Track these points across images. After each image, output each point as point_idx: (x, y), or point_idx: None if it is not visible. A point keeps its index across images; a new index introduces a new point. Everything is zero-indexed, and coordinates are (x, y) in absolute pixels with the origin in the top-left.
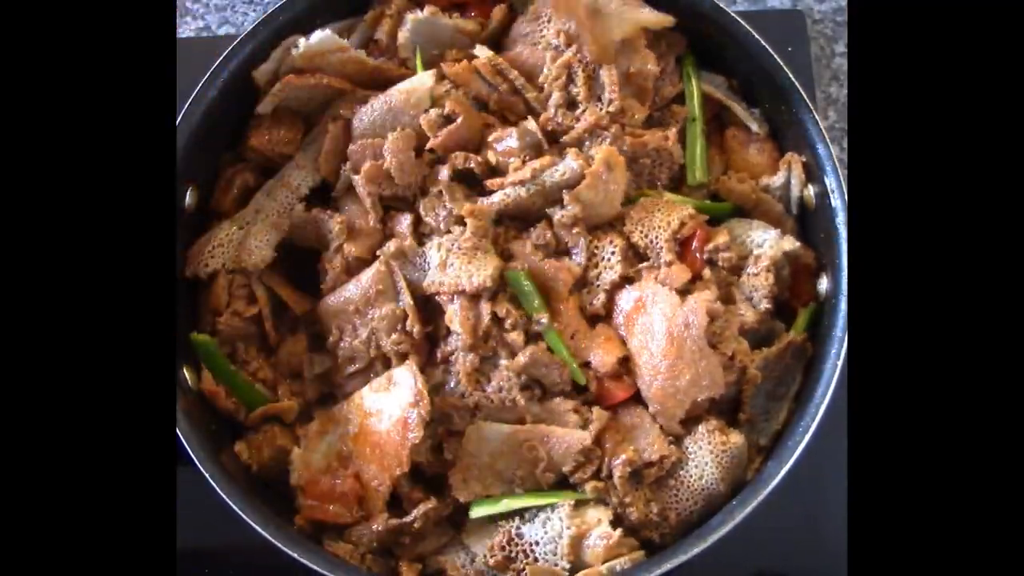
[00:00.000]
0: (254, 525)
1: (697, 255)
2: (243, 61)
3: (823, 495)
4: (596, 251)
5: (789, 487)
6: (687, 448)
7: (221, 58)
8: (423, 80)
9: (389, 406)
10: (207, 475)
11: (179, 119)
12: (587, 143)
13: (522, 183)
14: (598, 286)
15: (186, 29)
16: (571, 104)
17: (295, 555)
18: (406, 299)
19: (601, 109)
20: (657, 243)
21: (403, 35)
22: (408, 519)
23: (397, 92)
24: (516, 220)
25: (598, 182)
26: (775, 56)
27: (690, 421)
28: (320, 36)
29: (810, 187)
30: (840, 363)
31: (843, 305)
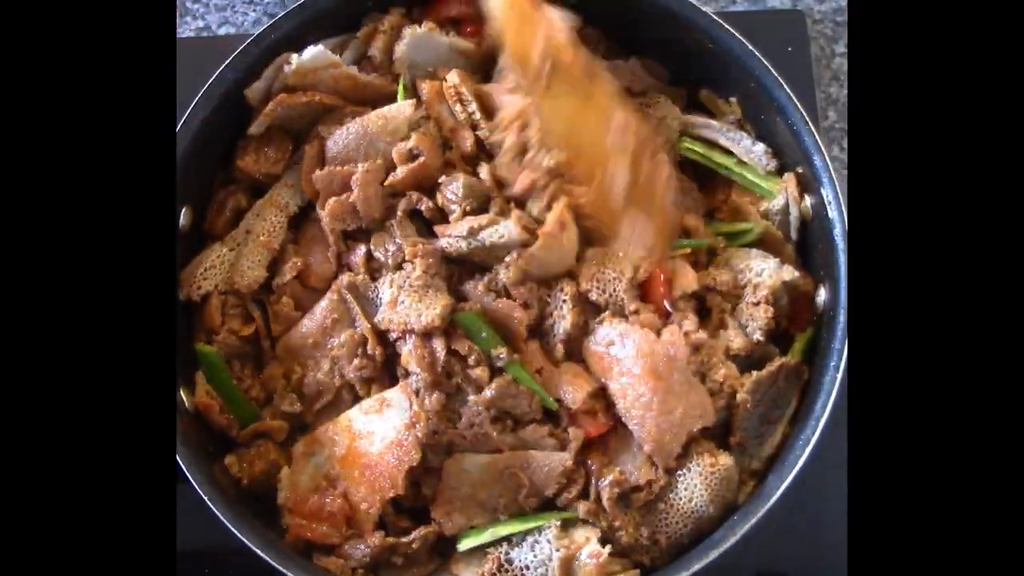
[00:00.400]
0: (250, 545)
1: (662, 294)
2: (236, 80)
3: (824, 496)
4: (548, 300)
5: (789, 488)
6: (676, 472)
7: (213, 78)
8: (402, 108)
9: (382, 428)
10: (204, 495)
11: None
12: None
13: (462, 237)
14: (555, 336)
15: (186, 29)
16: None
17: (291, 574)
18: (363, 323)
19: (546, 161)
20: (617, 295)
21: (400, 50)
22: (407, 539)
23: (375, 117)
24: (467, 264)
25: (552, 243)
26: (770, 68)
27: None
28: (313, 52)
29: (807, 199)
30: (840, 375)
31: (842, 317)
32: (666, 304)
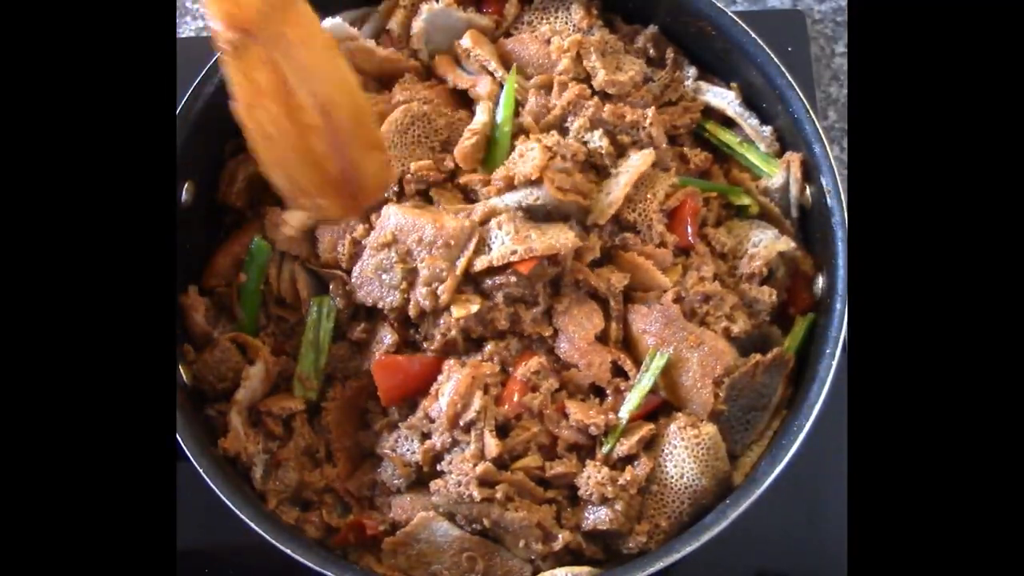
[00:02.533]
0: (248, 521)
1: (688, 227)
2: None
3: (824, 496)
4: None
5: (788, 487)
6: (663, 451)
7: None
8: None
9: None
10: (201, 471)
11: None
12: (569, 118)
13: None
14: None
15: (186, 29)
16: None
17: (288, 551)
18: None
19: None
20: (646, 216)
21: (418, 25)
22: None
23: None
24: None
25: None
26: (772, 56)
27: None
28: (330, 24)
29: (807, 187)
30: (835, 363)
31: (839, 305)
32: (689, 238)
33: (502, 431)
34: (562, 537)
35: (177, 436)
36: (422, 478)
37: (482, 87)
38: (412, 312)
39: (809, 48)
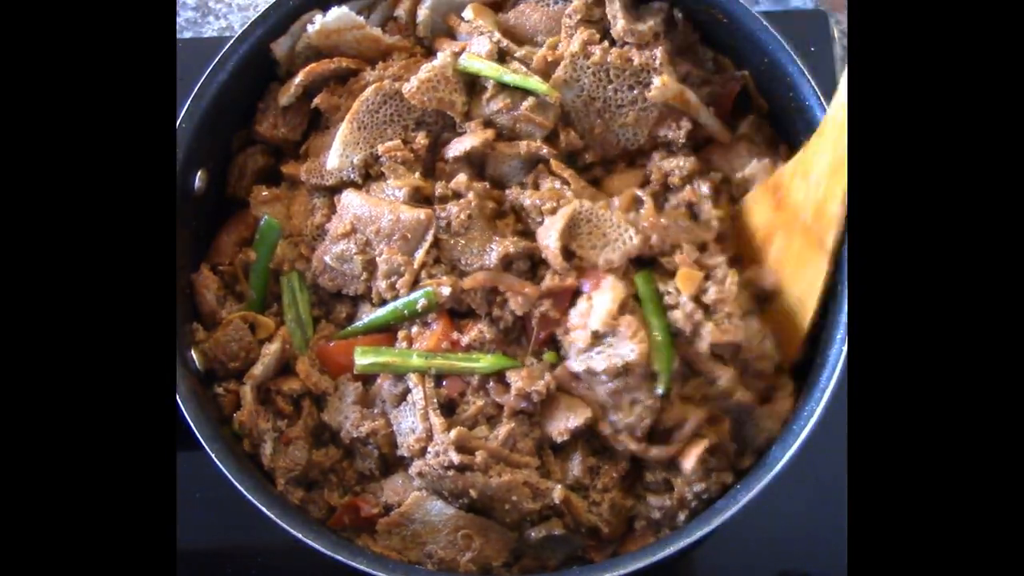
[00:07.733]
0: (257, 504)
1: None
2: (255, 43)
3: (824, 495)
4: None
5: (813, 486)
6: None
7: (232, 40)
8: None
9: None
10: (212, 454)
11: (189, 102)
12: (579, 62)
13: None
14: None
15: (209, 29)
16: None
17: (299, 535)
18: None
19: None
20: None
21: (423, 13)
22: None
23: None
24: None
25: None
26: (784, 44)
27: None
28: (337, 13)
29: None
30: (845, 348)
31: (847, 289)
32: None
33: (448, 409)
34: (557, 490)
35: (189, 423)
36: (387, 461)
37: (476, 47)
38: (375, 301)
39: (832, 48)
